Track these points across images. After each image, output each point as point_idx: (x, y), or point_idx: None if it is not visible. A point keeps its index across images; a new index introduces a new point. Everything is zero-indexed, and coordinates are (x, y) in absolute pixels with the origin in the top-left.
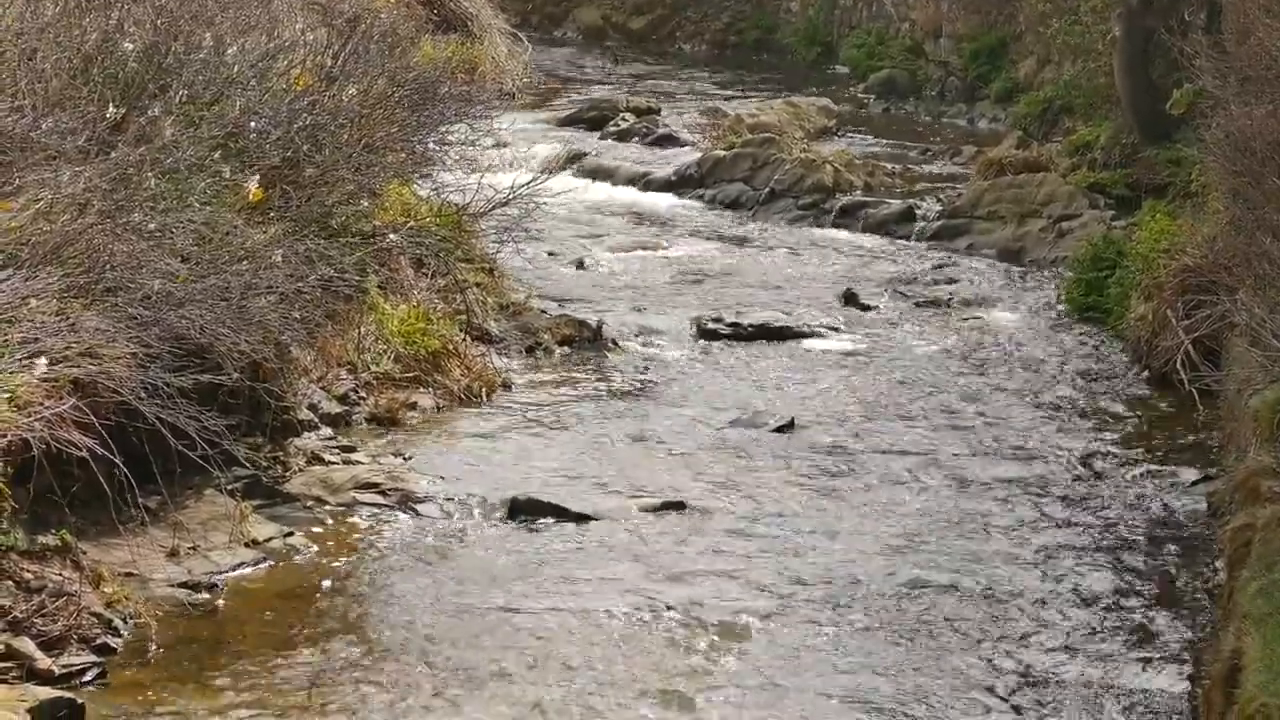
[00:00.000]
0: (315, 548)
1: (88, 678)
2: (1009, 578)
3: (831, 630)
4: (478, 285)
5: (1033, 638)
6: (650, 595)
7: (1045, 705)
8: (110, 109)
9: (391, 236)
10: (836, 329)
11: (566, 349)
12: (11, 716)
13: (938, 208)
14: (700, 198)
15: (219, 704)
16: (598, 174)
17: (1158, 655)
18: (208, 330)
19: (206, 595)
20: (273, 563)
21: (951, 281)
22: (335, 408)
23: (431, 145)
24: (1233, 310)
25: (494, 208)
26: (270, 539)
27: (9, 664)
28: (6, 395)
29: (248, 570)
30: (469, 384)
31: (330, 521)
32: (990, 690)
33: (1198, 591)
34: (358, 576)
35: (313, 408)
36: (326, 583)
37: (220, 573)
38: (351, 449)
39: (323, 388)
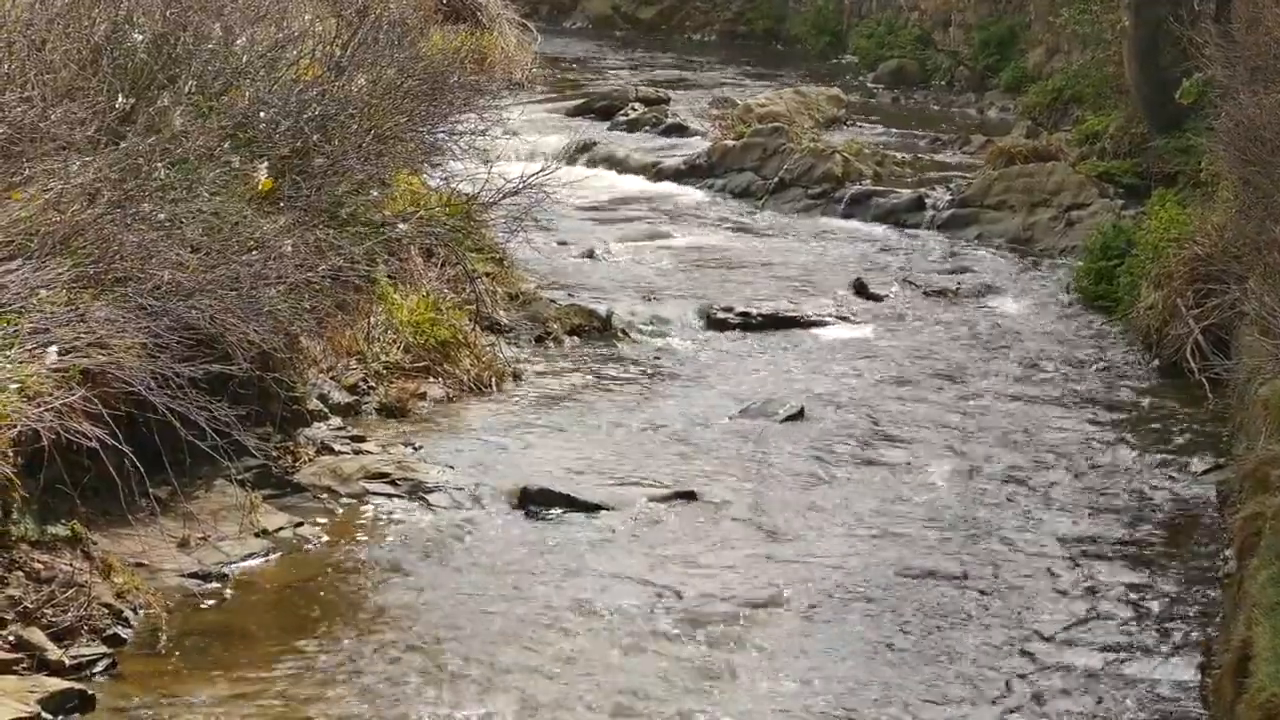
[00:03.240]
0: (325, 538)
1: (98, 668)
2: (1018, 567)
3: (841, 620)
4: (487, 275)
5: (1042, 627)
6: (660, 585)
7: (1054, 695)
8: (119, 99)
9: (401, 226)
10: (846, 318)
11: (576, 339)
12: (23, 708)
13: (947, 197)
14: (710, 187)
15: (229, 694)
16: (607, 163)
17: (1167, 645)
18: (217, 320)
19: (217, 585)
20: (283, 553)
21: (961, 271)
22: (345, 398)
23: (441, 135)
24: (1242, 299)
25: (503, 197)
26: (280, 529)
27: (20, 655)
28: (16, 386)
29: (258, 560)
30: (479, 374)
31: (340, 511)
32: (1000, 680)
33: (1207, 581)
34: (368, 566)
35: (322, 398)
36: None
37: (230, 563)
38: (361, 439)
39: (332, 378)
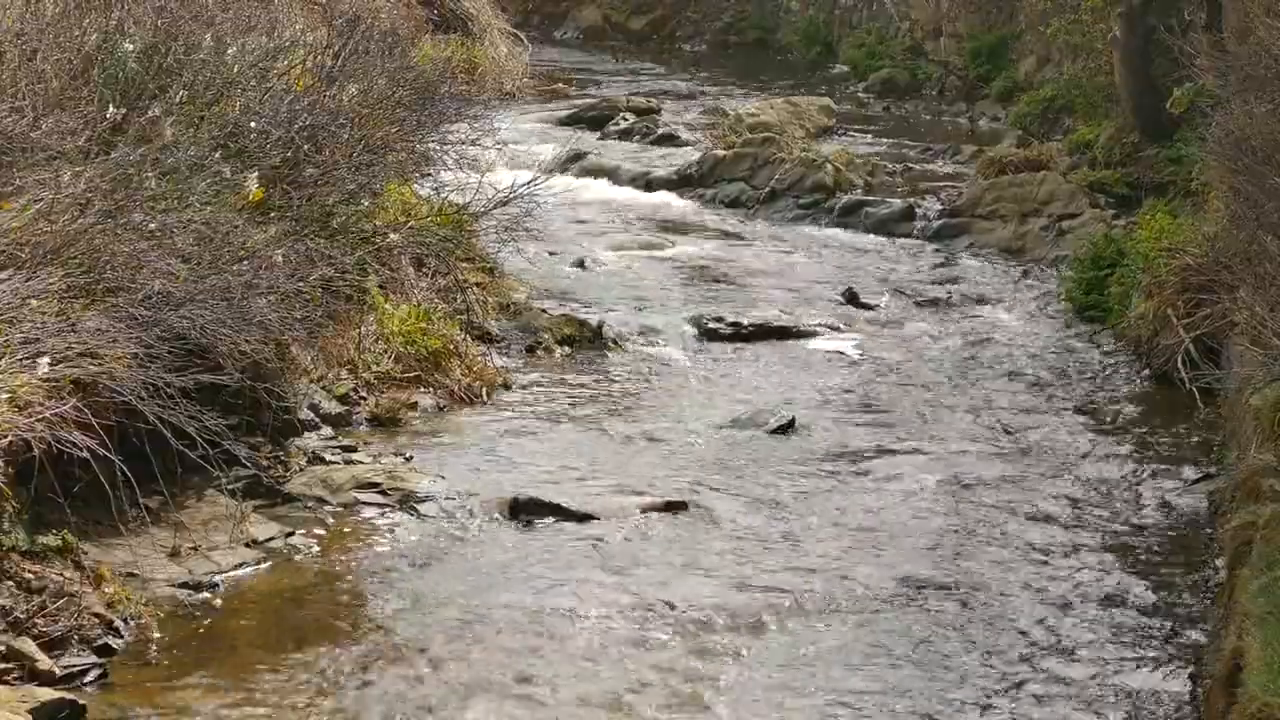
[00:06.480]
0: (316, 547)
1: (89, 678)
2: (1009, 577)
3: (833, 630)
4: (478, 285)
5: (1032, 637)
6: (652, 595)
7: (1045, 705)
8: (110, 109)
9: (392, 236)
10: (837, 328)
11: (567, 348)
12: (13, 717)
13: (938, 207)
14: (701, 197)
15: (220, 704)
16: (598, 173)
17: (1158, 655)
18: (208, 330)
19: (207, 595)
20: (273, 562)
21: (952, 280)
22: (336, 407)
23: (432, 145)
24: (1233, 309)
25: (494, 207)
26: (271, 539)
27: (10, 665)
28: (7, 396)
29: (248, 570)
30: (470, 383)
31: (331, 521)
32: (990, 690)
33: (1198, 590)
34: (359, 576)
35: (313, 407)
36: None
37: (221, 573)
38: (352, 448)
39: (323, 387)
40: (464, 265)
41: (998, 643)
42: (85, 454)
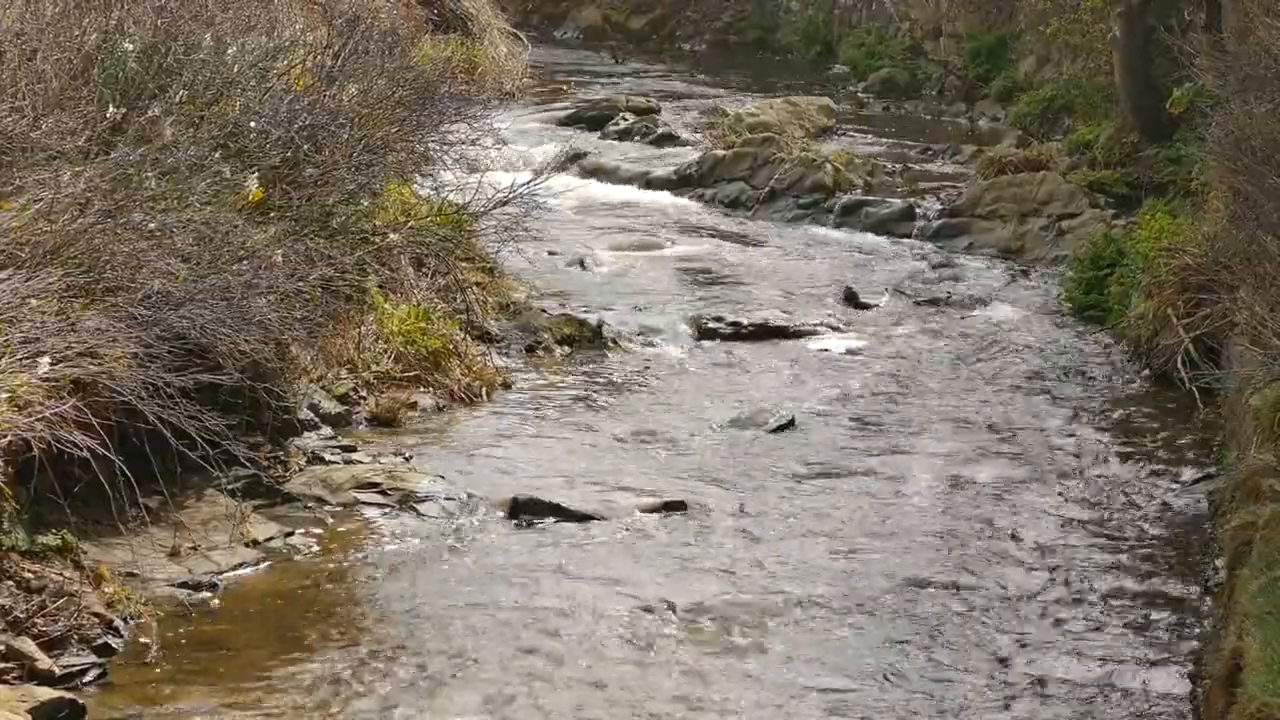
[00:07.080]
0: (316, 547)
1: (88, 678)
2: (1009, 577)
3: (833, 630)
4: (478, 284)
5: (1032, 637)
6: (652, 595)
7: (1045, 705)
8: (110, 109)
9: (392, 236)
10: (837, 328)
11: (567, 348)
12: (13, 717)
13: (938, 207)
14: (700, 197)
15: (219, 704)
16: (598, 173)
17: (1158, 654)
18: (208, 330)
19: (207, 595)
20: (273, 562)
21: (952, 280)
22: (335, 407)
23: (432, 145)
24: (1233, 308)
25: (494, 207)
26: (271, 539)
27: (10, 664)
28: (7, 395)
29: (248, 570)
30: (469, 383)
31: (331, 521)
32: (989, 690)
33: (1198, 590)
34: (358, 576)
35: (313, 407)
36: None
37: (221, 572)
38: (352, 448)
39: (323, 387)
40: (464, 265)
41: (998, 642)
42: (85, 454)
